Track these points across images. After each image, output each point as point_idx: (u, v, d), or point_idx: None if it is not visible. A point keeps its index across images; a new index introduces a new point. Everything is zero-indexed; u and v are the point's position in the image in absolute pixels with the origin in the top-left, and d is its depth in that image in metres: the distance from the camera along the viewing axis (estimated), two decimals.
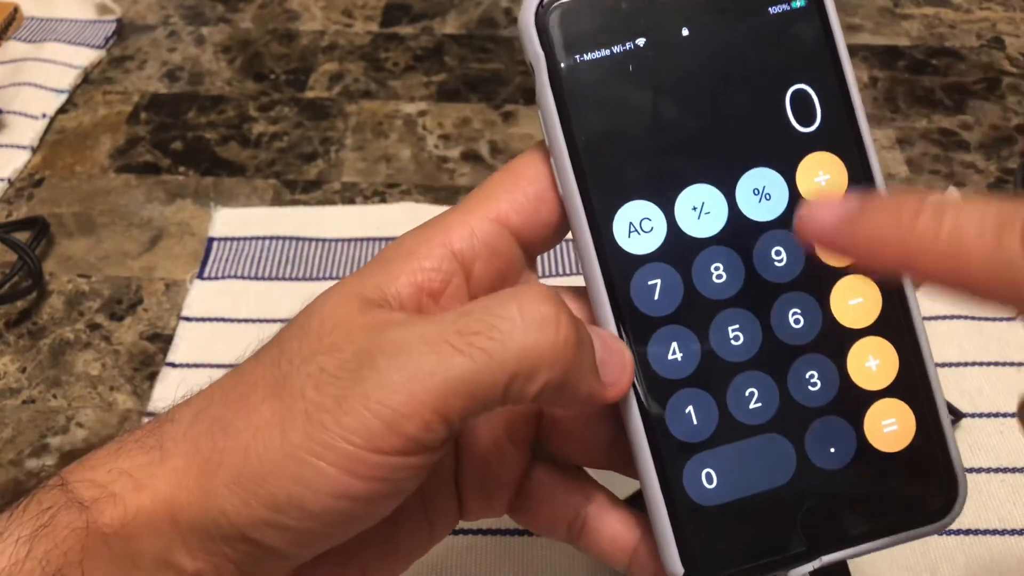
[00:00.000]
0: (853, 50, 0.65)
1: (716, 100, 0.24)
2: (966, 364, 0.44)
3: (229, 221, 0.53)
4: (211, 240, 0.52)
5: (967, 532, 0.38)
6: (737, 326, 0.24)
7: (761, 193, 0.24)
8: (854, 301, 0.24)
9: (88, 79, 0.64)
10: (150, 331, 0.48)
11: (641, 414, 0.24)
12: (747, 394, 0.24)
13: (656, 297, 0.24)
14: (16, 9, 0.67)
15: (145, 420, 0.42)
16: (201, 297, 0.49)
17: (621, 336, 0.24)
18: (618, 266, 0.24)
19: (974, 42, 0.65)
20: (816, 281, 0.24)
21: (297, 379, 0.22)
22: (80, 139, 0.59)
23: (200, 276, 0.50)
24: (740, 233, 0.24)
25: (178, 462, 0.22)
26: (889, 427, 0.24)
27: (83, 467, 0.23)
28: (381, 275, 0.24)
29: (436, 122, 0.60)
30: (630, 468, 0.25)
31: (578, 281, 0.26)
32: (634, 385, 0.24)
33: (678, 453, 0.24)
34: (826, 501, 0.24)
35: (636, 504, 0.26)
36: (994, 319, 0.47)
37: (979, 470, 0.40)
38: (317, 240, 0.51)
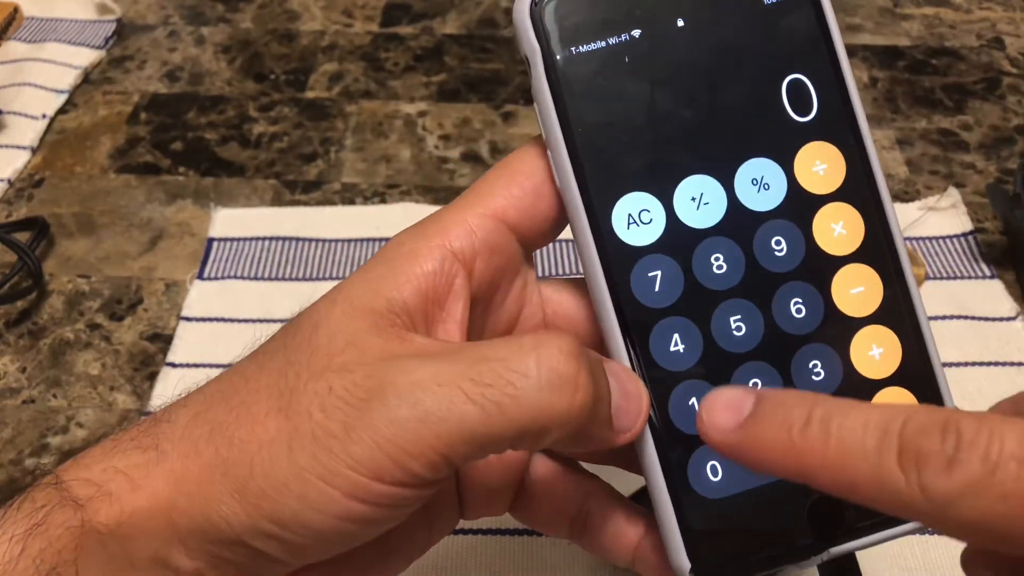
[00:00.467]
0: (853, 50, 0.65)
1: (712, 91, 0.24)
2: (966, 364, 0.44)
3: (229, 221, 0.53)
4: (211, 240, 0.52)
5: None
6: (739, 316, 0.24)
7: (760, 183, 0.24)
8: (855, 290, 0.24)
9: (88, 79, 0.64)
10: (150, 331, 0.48)
11: None
12: (751, 385, 0.24)
13: (657, 289, 0.24)
14: (16, 9, 0.67)
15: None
16: (201, 297, 0.49)
17: (622, 329, 0.24)
18: (618, 258, 0.24)
19: (974, 42, 0.65)
20: (817, 270, 0.24)
21: (305, 396, 0.21)
22: (80, 139, 0.59)
23: (200, 276, 0.50)
24: (740, 223, 0.24)
25: (175, 464, 0.22)
26: None
27: (77, 465, 0.23)
28: (386, 282, 0.23)
29: (436, 122, 0.60)
30: (633, 463, 0.25)
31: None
32: None
33: (683, 446, 0.24)
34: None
35: (641, 501, 0.26)
36: (994, 319, 0.47)
37: None
38: (317, 240, 0.51)
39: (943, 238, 0.51)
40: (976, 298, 0.47)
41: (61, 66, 0.64)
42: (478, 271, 0.24)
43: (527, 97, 0.23)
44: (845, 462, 0.18)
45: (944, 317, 0.47)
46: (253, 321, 0.47)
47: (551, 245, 0.50)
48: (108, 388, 0.45)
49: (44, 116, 0.60)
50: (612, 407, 0.23)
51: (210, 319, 0.48)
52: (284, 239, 0.51)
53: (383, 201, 0.55)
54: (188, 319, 0.48)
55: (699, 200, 0.24)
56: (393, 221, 0.52)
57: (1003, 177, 0.55)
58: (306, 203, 0.55)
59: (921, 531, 0.38)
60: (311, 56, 0.66)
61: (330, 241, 0.51)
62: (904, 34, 0.66)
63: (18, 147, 0.58)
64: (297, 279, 0.50)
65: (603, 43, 0.24)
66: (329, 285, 0.25)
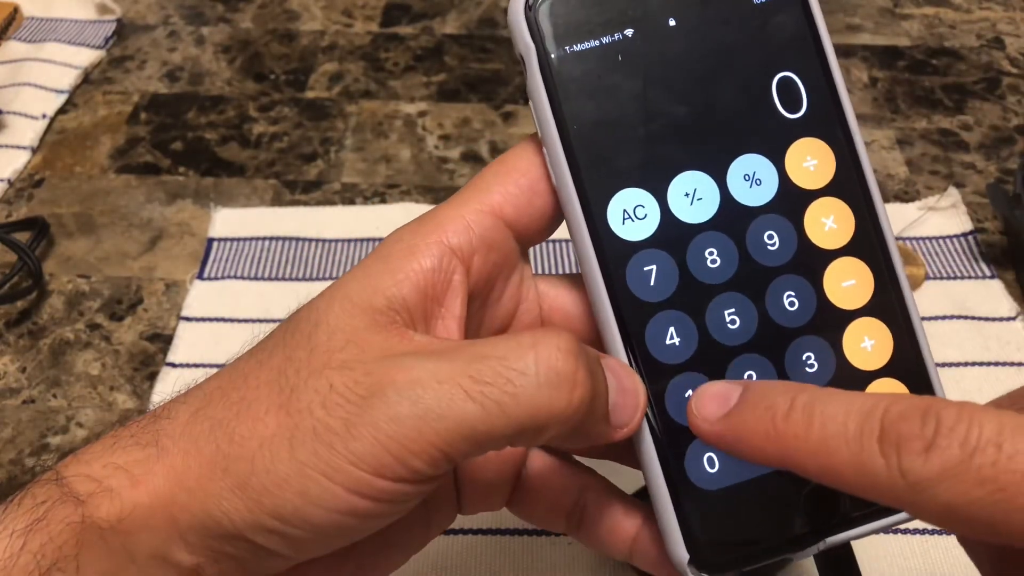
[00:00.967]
0: (853, 50, 0.65)
1: (704, 88, 0.24)
2: (966, 364, 0.44)
3: (229, 221, 0.53)
4: (211, 240, 0.52)
5: None
6: (733, 309, 0.24)
7: (752, 179, 0.24)
8: (847, 283, 0.25)
9: (88, 79, 0.64)
10: (150, 331, 0.48)
11: None
12: (746, 377, 0.24)
13: (652, 283, 0.24)
14: (16, 9, 0.67)
15: None
16: (201, 297, 0.49)
17: (618, 323, 0.24)
18: (613, 253, 0.24)
19: (974, 42, 0.65)
20: (809, 264, 0.25)
21: (305, 394, 0.22)
22: (80, 139, 0.59)
23: (200, 276, 0.50)
24: (733, 218, 0.24)
25: (176, 460, 0.22)
26: None
27: (78, 461, 0.23)
28: (385, 279, 0.24)
29: (436, 122, 0.60)
30: (630, 457, 0.25)
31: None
32: None
33: (679, 438, 0.24)
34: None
35: (644, 499, 0.26)
36: (994, 319, 0.47)
37: None
38: (317, 240, 0.51)
39: (943, 238, 0.51)
40: (976, 298, 0.47)
41: (61, 66, 0.64)
42: (476, 267, 0.25)
43: (527, 97, 0.23)
44: (827, 447, 0.19)
45: (944, 317, 0.47)
46: (253, 321, 0.47)
47: (549, 245, 0.51)
48: (108, 388, 0.45)
49: (44, 116, 0.60)
50: (609, 403, 0.23)
51: (210, 319, 0.48)
52: (284, 239, 0.51)
53: (383, 201, 0.55)
54: (188, 319, 0.48)
55: (692, 196, 0.24)
56: (393, 221, 0.52)
57: (1003, 177, 0.55)
58: (306, 203, 0.55)
59: (921, 531, 0.38)
60: (311, 56, 0.66)
61: (330, 241, 0.51)
62: (904, 34, 0.66)
63: (18, 147, 0.58)
64: (297, 279, 0.50)
65: (597, 42, 0.24)
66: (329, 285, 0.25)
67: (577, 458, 0.28)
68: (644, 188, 0.24)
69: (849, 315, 0.25)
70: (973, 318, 0.46)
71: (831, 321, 0.25)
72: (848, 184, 0.25)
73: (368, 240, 0.52)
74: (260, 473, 0.21)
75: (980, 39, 0.66)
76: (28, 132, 0.59)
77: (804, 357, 0.24)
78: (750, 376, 0.24)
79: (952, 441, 0.17)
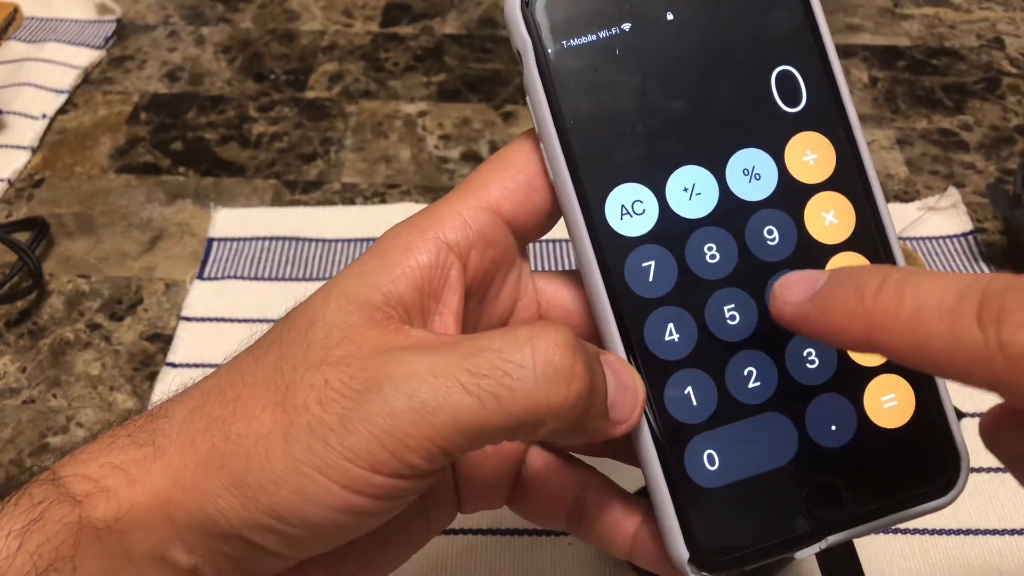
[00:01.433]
0: (853, 50, 0.65)
1: (703, 83, 0.24)
2: None
3: (229, 221, 0.53)
4: (211, 240, 0.52)
5: (967, 532, 0.38)
6: (733, 305, 0.24)
7: (751, 173, 0.24)
8: None
9: (88, 79, 0.64)
10: (150, 331, 0.48)
11: None
12: (746, 373, 0.24)
13: (651, 279, 0.24)
14: (16, 9, 0.67)
15: None
16: (201, 297, 0.49)
17: (617, 319, 0.24)
18: (611, 249, 0.24)
19: (974, 42, 0.65)
20: (810, 259, 0.24)
21: (301, 390, 0.21)
22: (80, 139, 0.59)
23: (200, 276, 0.50)
24: (732, 213, 0.24)
25: (173, 459, 0.22)
26: (889, 403, 0.24)
27: (75, 461, 0.23)
28: (382, 275, 0.23)
29: (436, 122, 0.60)
30: (629, 454, 0.25)
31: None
32: None
33: (679, 435, 0.24)
34: (829, 480, 0.24)
35: (645, 498, 0.26)
36: None
37: (979, 470, 0.40)
38: (317, 240, 0.51)
39: (943, 238, 0.51)
40: None
41: (61, 66, 0.64)
42: (473, 263, 0.24)
43: (525, 94, 0.23)
44: (919, 320, 0.18)
45: None
46: (253, 321, 0.47)
47: (548, 245, 0.51)
48: (108, 388, 0.45)
49: (44, 116, 0.60)
50: (608, 399, 0.23)
51: (210, 319, 0.48)
52: (284, 239, 0.51)
53: (383, 201, 0.55)
54: (188, 319, 0.48)
55: (691, 190, 0.24)
56: (393, 221, 0.52)
57: (1003, 177, 0.55)
58: (306, 203, 0.55)
59: (921, 531, 0.38)
60: (311, 56, 0.66)
61: (330, 241, 0.51)
62: (904, 34, 0.66)
63: (18, 147, 0.58)
64: (297, 279, 0.50)
65: (594, 36, 0.24)
66: None
67: (577, 456, 0.28)
68: (642, 183, 0.24)
69: None
70: None
71: None
72: (848, 178, 0.25)
73: (368, 240, 0.52)
74: (255, 470, 0.21)
75: (980, 39, 0.66)
76: (28, 132, 0.59)
77: (806, 353, 0.24)
78: (750, 373, 0.24)
79: None
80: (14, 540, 0.21)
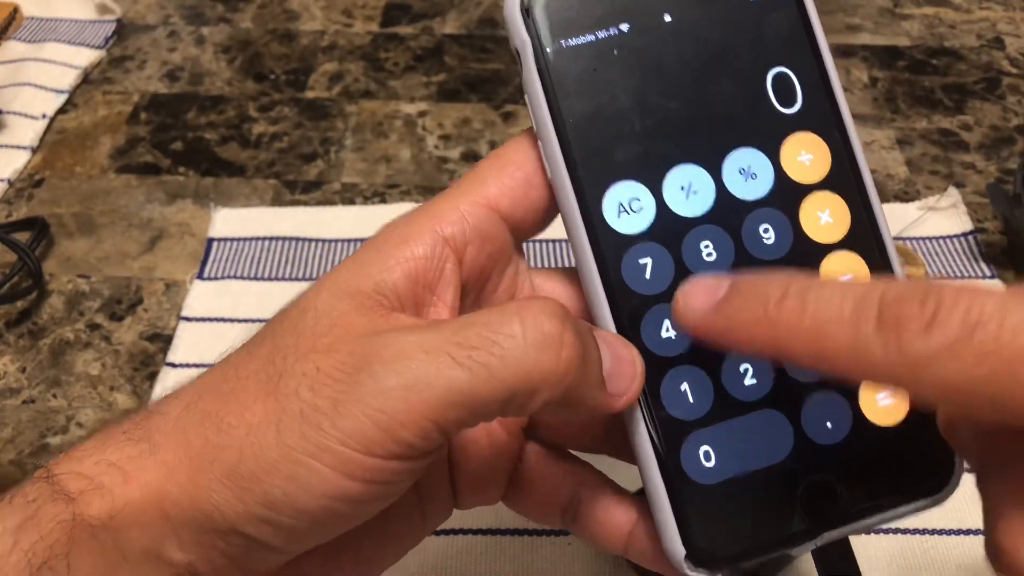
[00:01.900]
0: (853, 50, 0.65)
1: (699, 83, 0.24)
2: None
3: (229, 221, 0.53)
4: (211, 240, 0.52)
5: (967, 532, 0.38)
6: None
7: (747, 172, 0.24)
8: (844, 278, 0.25)
9: (88, 79, 0.64)
10: (150, 331, 0.48)
11: None
12: (741, 370, 0.24)
13: (648, 276, 0.24)
14: (16, 9, 0.67)
15: None
16: (201, 297, 0.49)
17: (614, 316, 0.24)
18: (609, 246, 0.24)
19: (974, 42, 0.65)
20: (805, 257, 0.24)
21: (292, 378, 0.21)
22: (80, 139, 0.59)
23: (200, 276, 0.50)
24: (728, 212, 0.24)
25: (167, 455, 0.22)
26: (884, 400, 0.24)
27: (70, 459, 0.22)
28: (375, 266, 0.23)
29: (436, 122, 0.60)
30: (625, 451, 0.25)
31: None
32: None
33: (675, 431, 0.24)
34: (825, 477, 0.24)
35: (643, 497, 0.26)
36: None
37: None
38: (317, 240, 0.51)
39: (943, 238, 0.51)
40: None
41: (61, 66, 0.64)
42: (469, 258, 0.24)
43: (524, 94, 0.23)
44: (821, 330, 0.18)
45: None
46: (253, 321, 0.48)
47: (545, 245, 0.51)
48: (108, 388, 0.45)
49: (44, 116, 0.60)
50: (604, 370, 0.23)
51: (210, 319, 0.48)
52: (284, 239, 0.51)
53: (383, 201, 0.55)
54: (188, 319, 0.48)
55: (688, 189, 0.24)
56: None
57: (1003, 177, 0.55)
58: (306, 203, 0.55)
59: (921, 531, 0.38)
60: (311, 56, 0.66)
61: (330, 241, 0.51)
62: (904, 34, 0.66)
63: (18, 147, 0.58)
64: (297, 279, 0.50)
65: (592, 36, 0.24)
66: None
67: (575, 454, 0.28)
68: (639, 181, 0.24)
69: None
70: None
71: None
72: (844, 179, 0.25)
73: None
74: (248, 461, 0.21)
75: (980, 39, 0.66)
76: (28, 132, 0.59)
77: None
78: (746, 371, 0.24)
79: (952, 318, 0.17)
80: (8, 537, 0.21)
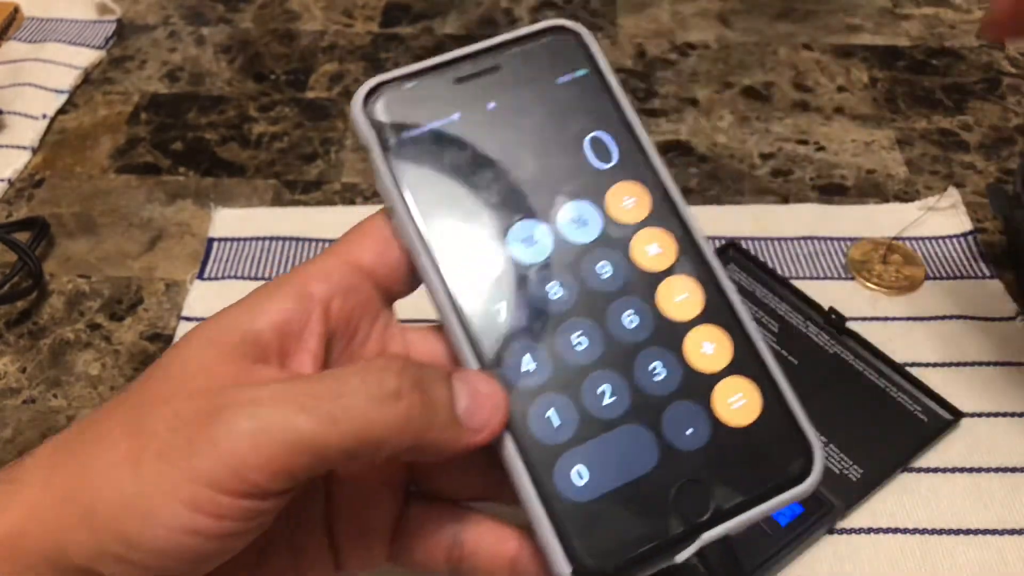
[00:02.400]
0: (853, 50, 0.65)
1: (528, 154, 0.28)
2: (966, 364, 0.44)
3: (229, 221, 0.53)
4: (211, 240, 0.52)
5: (967, 532, 0.38)
6: (580, 332, 0.26)
7: (579, 221, 0.27)
8: (679, 298, 0.27)
9: (88, 79, 0.64)
10: (150, 331, 0.48)
11: (507, 426, 0.25)
12: (599, 392, 0.26)
13: (502, 317, 0.26)
14: (16, 9, 0.67)
15: None
16: (201, 297, 0.49)
17: (476, 356, 0.26)
18: (463, 297, 0.26)
19: (974, 42, 0.65)
20: (641, 284, 0.27)
21: (152, 420, 0.23)
22: (80, 139, 0.59)
23: (200, 276, 0.50)
24: (566, 254, 0.27)
25: (32, 494, 0.23)
26: (737, 402, 0.26)
27: None
28: (243, 317, 0.25)
29: None
30: (507, 492, 0.26)
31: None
32: None
33: (546, 455, 0.25)
34: (694, 481, 0.25)
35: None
36: (994, 319, 0.47)
37: (979, 470, 0.40)
38: (317, 241, 0.51)
39: (943, 238, 0.51)
40: (976, 298, 0.48)
41: (61, 66, 0.64)
42: (335, 309, 0.26)
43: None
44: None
45: (944, 317, 0.47)
46: None
47: None
48: (108, 388, 0.45)
49: (44, 116, 0.60)
50: (460, 409, 0.24)
51: None
52: (284, 239, 0.52)
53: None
54: (188, 319, 0.48)
55: (529, 239, 0.27)
56: None
57: (1003, 177, 0.55)
58: (306, 203, 0.55)
59: (921, 531, 0.38)
60: (311, 56, 0.66)
61: (330, 241, 0.51)
62: (904, 34, 0.66)
63: (18, 147, 0.58)
64: None
65: (428, 127, 0.27)
66: None
67: (460, 503, 0.29)
68: (485, 239, 0.27)
69: (685, 325, 0.27)
70: (973, 318, 0.46)
71: (670, 332, 0.27)
72: (664, 215, 0.28)
73: None
74: (106, 499, 0.22)
75: (980, 39, 0.66)
76: (28, 132, 0.59)
77: (651, 367, 0.26)
78: (604, 391, 0.26)
79: None
80: None
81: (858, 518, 0.39)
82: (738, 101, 0.61)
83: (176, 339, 0.46)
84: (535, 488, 0.25)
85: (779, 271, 0.49)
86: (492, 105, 0.28)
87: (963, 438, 0.41)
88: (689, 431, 0.26)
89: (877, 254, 0.50)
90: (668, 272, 0.27)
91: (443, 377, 0.25)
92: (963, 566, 0.37)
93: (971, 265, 0.49)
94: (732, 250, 0.49)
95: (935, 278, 0.49)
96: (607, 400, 0.26)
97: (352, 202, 0.54)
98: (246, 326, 0.25)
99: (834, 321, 0.44)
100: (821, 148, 0.58)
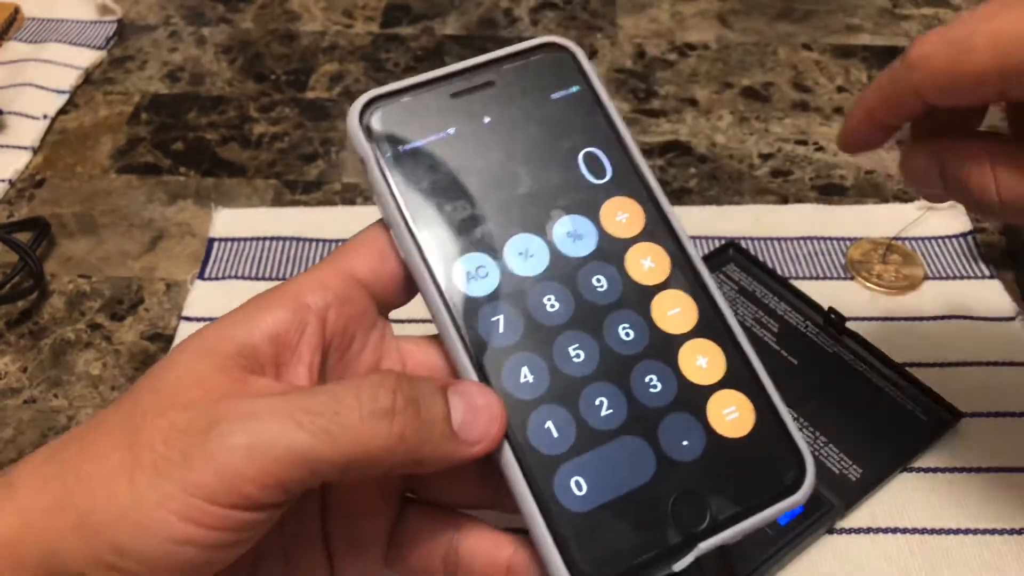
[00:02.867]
0: (853, 50, 0.65)
1: (523, 168, 0.28)
2: (965, 364, 0.44)
3: (229, 222, 0.53)
4: (212, 240, 0.52)
5: (967, 532, 0.38)
6: (576, 345, 0.27)
7: (574, 235, 0.28)
8: (673, 311, 0.28)
9: (89, 79, 0.64)
10: (151, 331, 0.48)
11: (506, 436, 0.26)
12: (597, 403, 0.26)
13: (501, 330, 0.27)
14: (17, 10, 0.68)
15: None
16: (202, 297, 0.49)
17: (475, 368, 0.26)
18: (462, 309, 0.27)
19: None
20: (637, 299, 0.28)
21: (148, 432, 0.23)
22: (81, 140, 0.59)
23: (201, 276, 0.50)
24: (562, 268, 0.28)
25: (25, 500, 0.23)
26: (731, 415, 0.27)
27: None
28: (238, 328, 0.25)
29: None
30: (505, 500, 0.26)
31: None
32: None
33: (546, 466, 0.25)
34: (690, 492, 0.26)
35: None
36: (994, 319, 0.47)
37: (979, 470, 0.40)
38: (317, 241, 0.51)
39: (942, 238, 0.51)
40: (976, 298, 0.48)
41: (62, 66, 0.64)
42: (331, 320, 0.26)
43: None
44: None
45: (943, 317, 0.47)
46: None
47: None
48: (109, 388, 0.45)
49: (45, 116, 0.60)
50: (456, 423, 0.24)
51: (211, 319, 0.48)
52: (284, 239, 0.52)
53: None
54: (189, 319, 0.48)
55: (525, 253, 0.27)
56: None
57: None
58: (306, 203, 0.55)
59: (921, 530, 0.38)
60: (312, 56, 0.66)
61: (330, 241, 0.51)
62: (904, 34, 0.66)
63: (19, 147, 0.58)
64: None
65: (424, 141, 0.28)
66: None
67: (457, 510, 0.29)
68: (482, 251, 0.27)
69: (680, 338, 0.27)
70: (972, 318, 0.46)
71: (665, 345, 0.27)
72: (658, 230, 0.28)
73: None
74: (100, 508, 0.22)
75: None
76: (29, 132, 0.59)
77: (647, 380, 0.27)
78: (601, 403, 0.26)
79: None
80: None
81: (858, 518, 0.39)
82: (737, 101, 0.61)
83: (177, 339, 0.46)
84: (535, 498, 0.25)
85: (779, 271, 0.49)
86: (488, 120, 0.28)
87: (963, 438, 0.41)
88: (685, 442, 0.26)
89: (876, 254, 0.50)
90: (662, 286, 0.28)
91: (438, 391, 0.25)
92: (963, 566, 0.37)
93: (970, 265, 0.49)
94: (732, 250, 0.49)
95: (934, 278, 0.49)
96: (604, 411, 0.26)
97: (352, 202, 0.55)
98: (241, 337, 0.25)
99: (834, 321, 0.44)
100: (820, 148, 0.58)
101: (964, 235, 0.51)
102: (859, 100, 0.31)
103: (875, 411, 0.41)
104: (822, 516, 0.37)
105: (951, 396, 0.42)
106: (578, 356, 0.27)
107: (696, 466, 0.26)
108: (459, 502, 0.29)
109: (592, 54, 0.66)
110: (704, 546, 0.25)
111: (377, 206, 0.28)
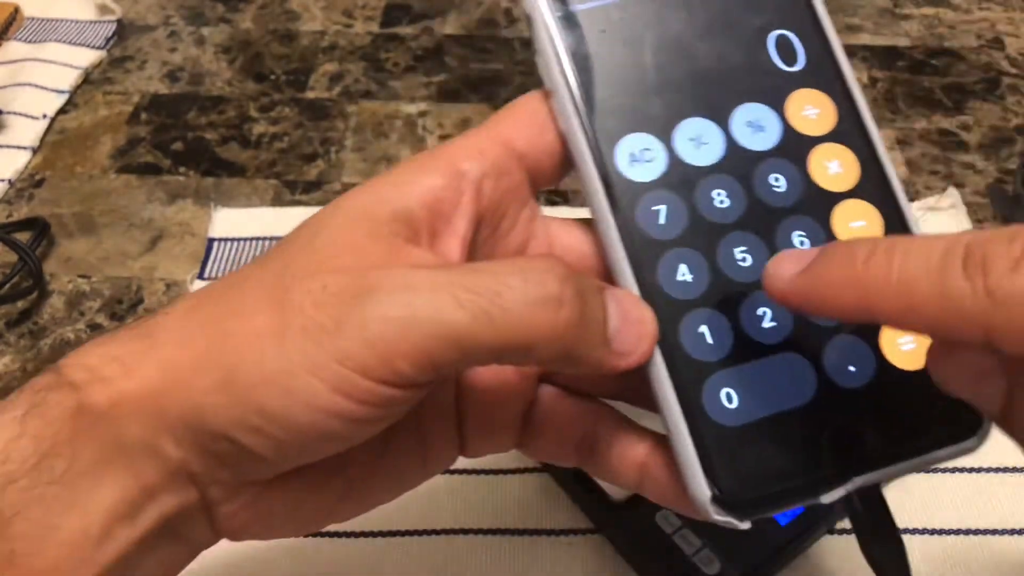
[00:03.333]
0: (853, 50, 0.65)
1: (704, 44, 0.26)
2: None
3: (229, 221, 0.53)
4: (211, 240, 0.52)
5: (968, 532, 0.38)
6: (744, 248, 0.24)
7: (755, 125, 0.25)
8: (856, 224, 0.25)
9: (89, 79, 0.64)
10: None
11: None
12: (759, 313, 0.24)
13: (662, 221, 0.24)
14: (16, 9, 0.67)
15: None
16: None
17: (630, 260, 0.24)
18: (623, 194, 0.25)
19: (974, 42, 0.65)
20: (817, 205, 0.25)
21: (298, 293, 0.22)
22: (81, 140, 0.59)
23: (200, 276, 0.50)
24: (738, 161, 0.25)
25: (168, 352, 0.22)
26: (906, 345, 0.24)
27: (77, 354, 0.23)
28: (392, 191, 0.24)
29: (436, 122, 0.60)
30: (643, 397, 0.24)
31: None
32: None
33: (696, 373, 0.24)
34: (852, 421, 0.24)
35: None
36: None
37: (979, 470, 0.40)
38: None
39: None
40: None
41: (61, 66, 0.64)
42: (486, 191, 0.25)
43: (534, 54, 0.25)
44: (909, 283, 0.18)
45: None
46: None
47: None
48: None
49: (45, 116, 0.60)
50: (610, 329, 0.23)
51: None
52: None
53: None
54: None
55: (698, 140, 0.25)
56: None
57: (1003, 177, 0.55)
58: (306, 203, 0.55)
59: (921, 530, 0.38)
60: (311, 56, 0.66)
61: None
62: (904, 34, 0.66)
63: (19, 147, 0.58)
64: None
65: (600, 1, 0.25)
66: None
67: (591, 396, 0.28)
68: (650, 132, 0.25)
69: None
70: None
71: None
72: (850, 131, 0.25)
73: None
74: (247, 369, 0.21)
75: (980, 39, 0.66)
76: (29, 132, 0.59)
77: None
78: (764, 313, 0.24)
79: None
80: (17, 425, 0.21)
81: None
82: None
83: None
84: (681, 404, 0.23)
85: None
86: None
87: None
88: (852, 368, 0.24)
89: None
90: (848, 195, 0.25)
91: (599, 291, 0.23)
92: (963, 566, 0.37)
93: None
94: None
95: None
96: (767, 323, 0.24)
97: None
98: (397, 203, 0.23)
99: None
100: None
101: None
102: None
103: None
104: (822, 516, 0.37)
105: None
106: (744, 260, 0.24)
107: (861, 395, 0.24)
108: (596, 390, 0.27)
109: None
110: (859, 480, 0.23)
111: (539, 71, 0.26)
